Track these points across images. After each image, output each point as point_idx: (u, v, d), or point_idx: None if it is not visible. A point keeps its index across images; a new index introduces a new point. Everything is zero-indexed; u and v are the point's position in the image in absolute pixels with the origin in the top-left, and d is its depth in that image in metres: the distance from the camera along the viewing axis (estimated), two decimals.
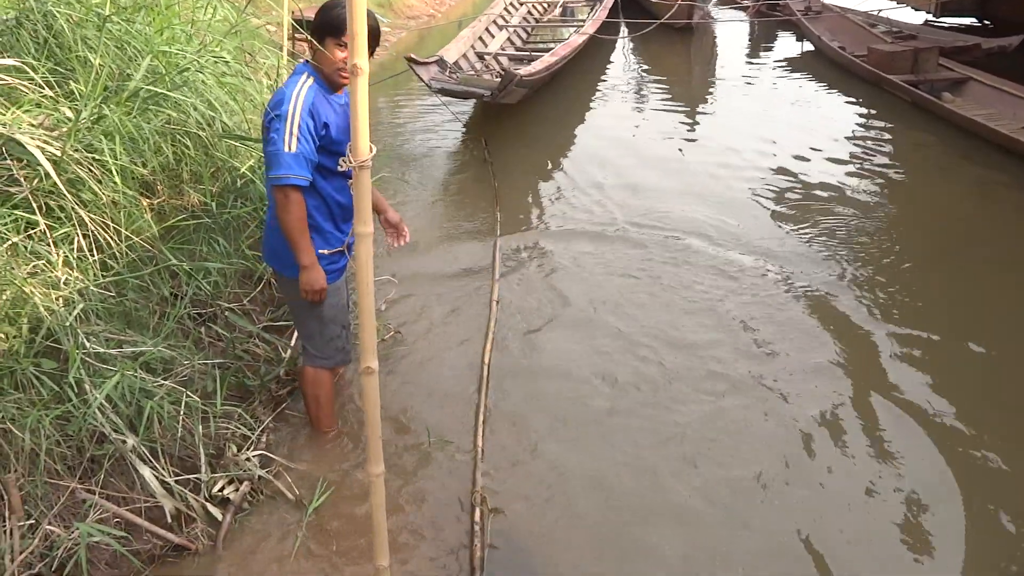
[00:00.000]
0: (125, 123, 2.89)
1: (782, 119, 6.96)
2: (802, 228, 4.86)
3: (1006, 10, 9.26)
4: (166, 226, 3.04)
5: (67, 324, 2.37)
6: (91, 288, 2.56)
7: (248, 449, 2.85)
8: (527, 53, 7.81)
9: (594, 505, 2.74)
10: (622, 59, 9.20)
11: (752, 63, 8.82)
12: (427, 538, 2.60)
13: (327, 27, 2.54)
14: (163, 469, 2.55)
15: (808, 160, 5.92)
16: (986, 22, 10.04)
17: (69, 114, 2.76)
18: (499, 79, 6.04)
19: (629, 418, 3.16)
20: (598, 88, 8.00)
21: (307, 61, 2.67)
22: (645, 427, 3.11)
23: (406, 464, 2.93)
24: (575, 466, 2.91)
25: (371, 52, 2.72)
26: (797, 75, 8.22)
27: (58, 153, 2.54)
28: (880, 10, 9.79)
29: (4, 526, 2.13)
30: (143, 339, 2.68)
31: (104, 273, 2.66)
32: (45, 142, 2.55)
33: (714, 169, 5.77)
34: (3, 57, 2.76)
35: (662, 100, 7.58)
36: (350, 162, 1.44)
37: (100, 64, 2.84)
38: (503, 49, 8.12)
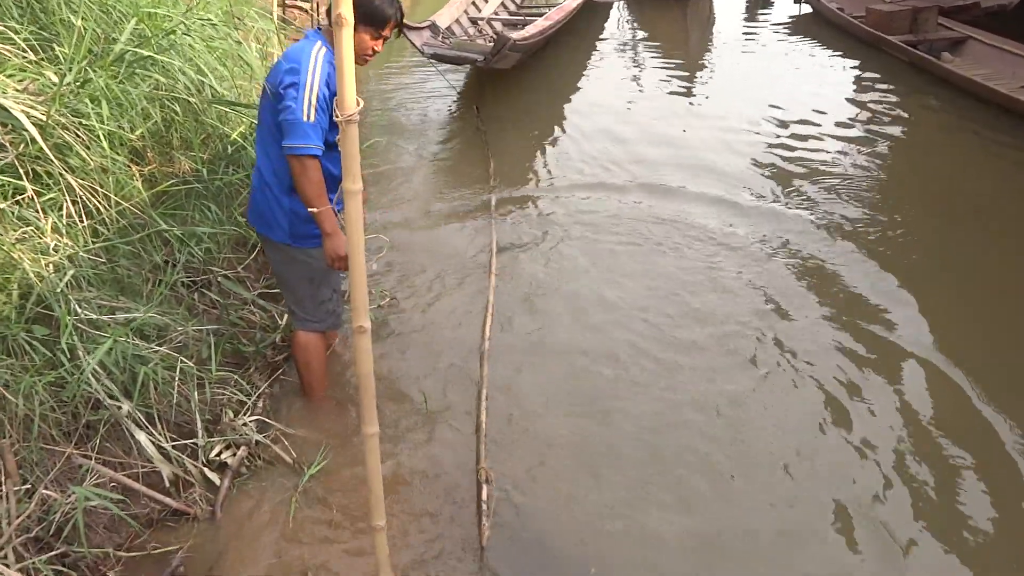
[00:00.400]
0: (111, 87, 2.84)
1: (780, 82, 6.88)
2: (801, 187, 4.84)
3: None
4: (156, 191, 3.01)
5: (58, 290, 2.35)
6: (81, 254, 2.54)
7: (245, 414, 2.86)
8: (521, 18, 7.69)
9: (597, 482, 2.72)
10: (618, 23, 9.06)
11: (750, 26, 8.70)
12: (432, 516, 2.59)
13: (368, 17, 2.55)
14: (160, 435, 2.56)
15: (806, 121, 5.86)
16: None
17: (54, 78, 2.72)
18: (492, 44, 5.95)
19: (632, 389, 3.15)
20: (593, 52, 7.90)
21: (319, 29, 2.67)
22: (648, 397, 3.11)
23: (405, 436, 2.93)
24: (577, 440, 2.90)
25: (396, 36, 2.72)
26: (795, 37, 8.11)
27: (43, 118, 2.51)
28: None
29: (1, 491, 2.13)
30: (136, 306, 2.66)
31: (94, 240, 2.63)
32: (30, 106, 2.51)
33: (712, 132, 5.71)
34: None
35: (658, 64, 7.49)
36: (337, 116, 1.41)
37: (83, 27, 2.79)
38: (496, 14, 8.00)
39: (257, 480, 2.73)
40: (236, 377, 2.92)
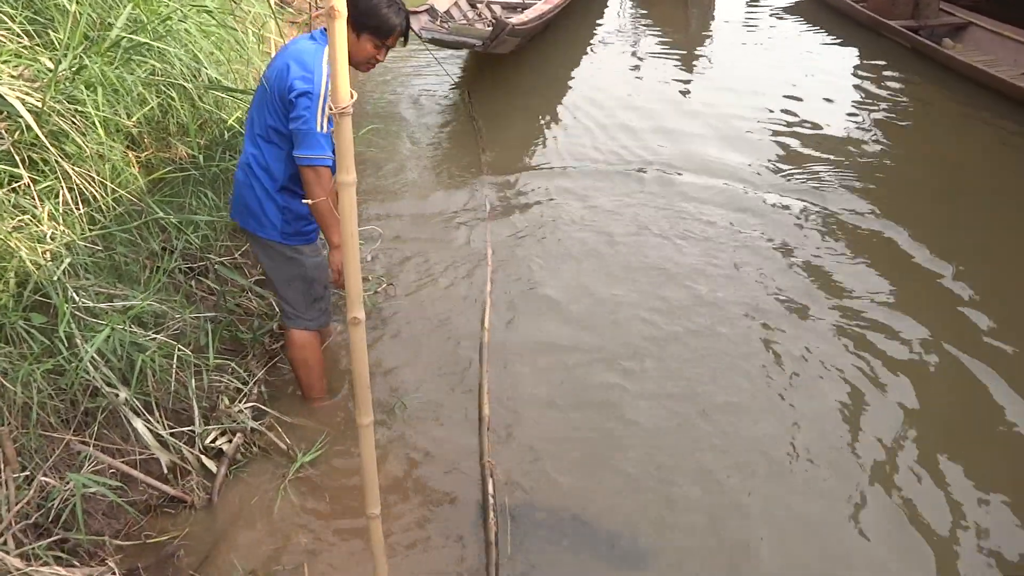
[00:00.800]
0: (107, 74, 2.83)
1: (780, 66, 6.84)
2: (802, 172, 4.84)
3: None
4: (153, 178, 3.00)
5: (55, 279, 2.35)
6: (78, 242, 2.54)
7: (241, 401, 2.87)
8: (520, 1, 7.63)
9: (602, 474, 2.74)
10: (618, 6, 9.00)
11: (751, 10, 8.63)
12: (437, 514, 2.58)
13: (374, 27, 2.52)
14: (157, 422, 2.57)
15: (806, 106, 5.84)
16: None
17: (49, 64, 2.70)
18: (491, 29, 5.91)
19: (632, 381, 3.17)
20: (593, 37, 7.85)
21: (325, 30, 2.59)
22: (650, 389, 3.13)
23: (402, 428, 2.94)
24: (579, 432, 2.92)
25: (402, 44, 2.66)
26: (796, 22, 8.06)
27: (39, 104, 2.50)
28: None
29: (0, 478, 2.14)
30: (133, 293, 2.67)
31: (91, 227, 2.63)
32: (25, 93, 2.50)
33: (711, 117, 5.69)
34: None
35: (658, 48, 7.45)
36: (331, 110, 1.41)
37: (79, 12, 2.77)
38: None
39: (253, 467, 2.75)
40: (233, 364, 2.93)
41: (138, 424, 2.49)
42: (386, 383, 3.14)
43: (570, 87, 6.54)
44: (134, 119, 3.00)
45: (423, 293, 3.73)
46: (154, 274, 2.88)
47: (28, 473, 2.22)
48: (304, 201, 2.51)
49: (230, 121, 3.51)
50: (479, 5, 7.51)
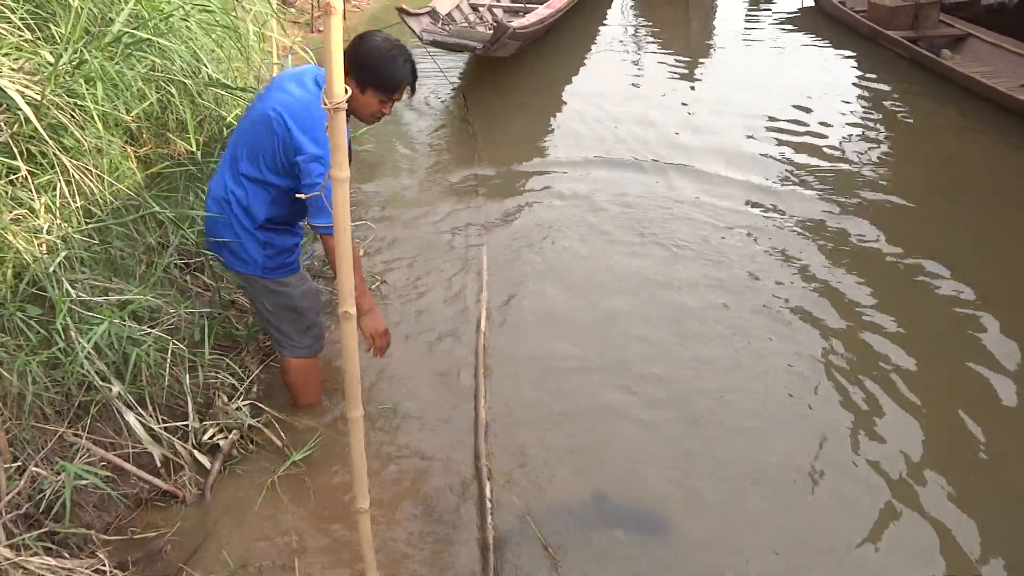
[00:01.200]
0: (107, 69, 2.84)
1: (780, 74, 6.87)
2: (800, 180, 4.86)
3: None
4: (150, 172, 3.01)
5: (51, 271, 2.36)
6: (74, 235, 2.55)
7: (238, 399, 2.88)
8: (522, 5, 7.65)
9: (600, 475, 2.75)
10: (619, 12, 9.03)
11: (751, 18, 8.66)
12: (432, 516, 2.58)
13: (378, 83, 2.40)
14: (150, 417, 2.58)
15: (805, 115, 5.86)
16: None
17: (50, 58, 2.72)
18: (492, 32, 5.93)
19: (629, 380, 3.19)
20: (594, 41, 7.87)
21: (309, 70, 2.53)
22: (648, 390, 3.15)
23: (395, 426, 2.95)
24: (575, 433, 2.93)
25: (410, 95, 2.56)
26: (797, 30, 8.09)
27: (38, 97, 2.51)
28: None
29: None
30: (129, 287, 2.68)
31: (87, 220, 2.64)
32: (25, 86, 2.51)
33: (710, 123, 5.70)
34: None
35: (659, 54, 7.47)
36: (325, 104, 1.42)
37: (80, 7, 2.79)
38: (497, 0, 7.96)
39: (248, 464, 2.76)
40: (228, 360, 2.94)
41: (131, 418, 2.50)
42: (378, 383, 3.15)
43: (569, 91, 6.56)
44: (133, 114, 3.01)
45: (414, 293, 3.75)
46: (150, 268, 2.89)
47: (20, 464, 2.22)
48: (293, 243, 2.53)
49: (229, 118, 3.52)
50: (481, 8, 7.53)
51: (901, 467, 2.74)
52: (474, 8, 7.51)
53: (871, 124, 5.82)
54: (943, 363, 3.28)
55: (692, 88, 6.60)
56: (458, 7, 7.23)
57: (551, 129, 5.76)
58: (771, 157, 5.17)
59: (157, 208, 2.88)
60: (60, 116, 2.59)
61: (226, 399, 2.86)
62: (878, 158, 5.27)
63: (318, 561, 2.39)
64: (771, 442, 2.87)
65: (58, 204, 2.55)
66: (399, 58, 2.41)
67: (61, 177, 2.56)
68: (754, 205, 4.54)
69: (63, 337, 2.33)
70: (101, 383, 2.42)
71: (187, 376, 2.70)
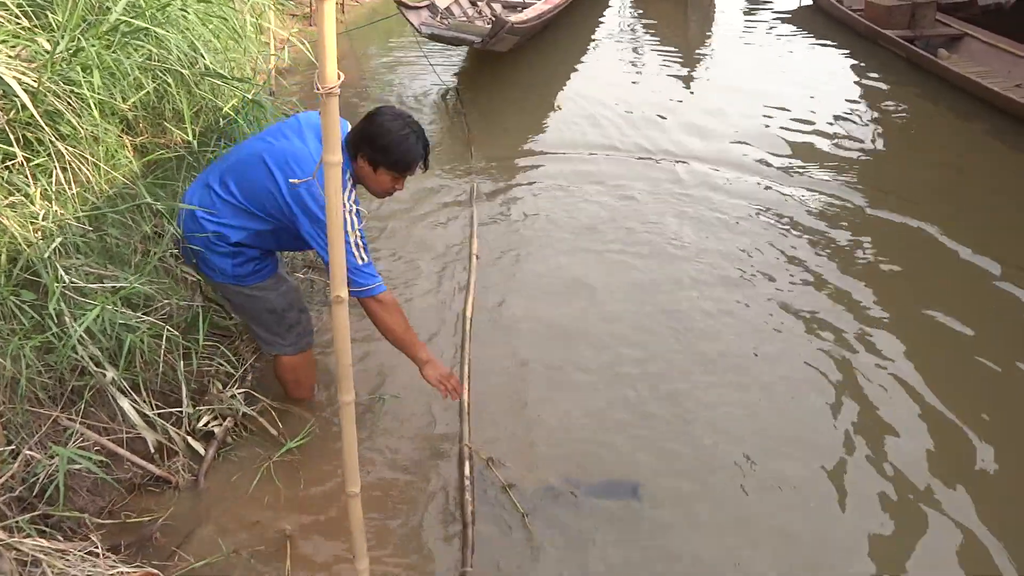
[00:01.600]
0: (104, 57, 2.85)
1: (777, 72, 6.90)
2: (794, 177, 4.88)
3: None
4: (147, 160, 3.03)
5: (45, 256, 2.37)
6: (70, 222, 2.56)
7: (232, 386, 2.89)
8: (520, 0, 7.67)
9: (582, 457, 2.78)
10: (618, 9, 9.05)
11: (749, 16, 8.69)
12: (415, 495, 2.62)
13: (392, 164, 2.40)
14: (144, 403, 2.59)
15: (801, 112, 5.88)
16: None
17: (46, 46, 2.73)
18: (490, 26, 5.95)
19: (616, 367, 3.21)
20: (592, 37, 7.90)
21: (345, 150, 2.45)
22: (633, 374, 3.17)
23: (383, 412, 2.97)
24: (560, 418, 2.96)
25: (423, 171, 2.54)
26: (794, 29, 8.12)
27: (34, 84, 2.52)
28: None
29: None
30: (124, 275, 2.69)
31: (83, 208, 2.65)
32: (22, 73, 2.52)
33: (706, 120, 5.72)
34: None
35: (657, 51, 7.50)
36: (318, 89, 1.43)
37: None
38: None
39: (242, 451, 2.77)
40: (223, 348, 2.95)
41: (124, 403, 2.51)
42: (365, 372, 3.16)
43: (566, 87, 6.58)
44: (129, 103, 3.02)
45: (401, 282, 3.76)
46: (145, 258, 2.91)
47: (14, 447, 2.24)
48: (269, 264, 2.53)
49: (226, 108, 3.53)
50: (479, 3, 7.55)
51: (904, 458, 2.76)
52: (473, 3, 7.53)
53: (867, 123, 5.84)
54: (940, 355, 3.30)
55: (689, 85, 6.62)
56: (456, 2, 7.25)
57: (547, 123, 5.78)
58: (768, 153, 5.19)
59: (150, 199, 2.89)
60: (56, 103, 2.60)
61: (220, 387, 2.88)
62: (873, 157, 5.29)
63: (310, 544, 2.41)
64: (758, 419, 2.91)
65: (54, 191, 2.56)
66: (411, 137, 2.40)
67: (57, 164, 2.58)
68: (748, 200, 4.56)
69: (56, 322, 2.34)
70: (95, 368, 2.43)
71: (181, 363, 2.72)
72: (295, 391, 2.95)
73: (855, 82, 6.70)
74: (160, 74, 3.24)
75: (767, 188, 4.73)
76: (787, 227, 4.28)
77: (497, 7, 7.47)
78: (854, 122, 5.82)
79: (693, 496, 2.62)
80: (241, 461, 2.71)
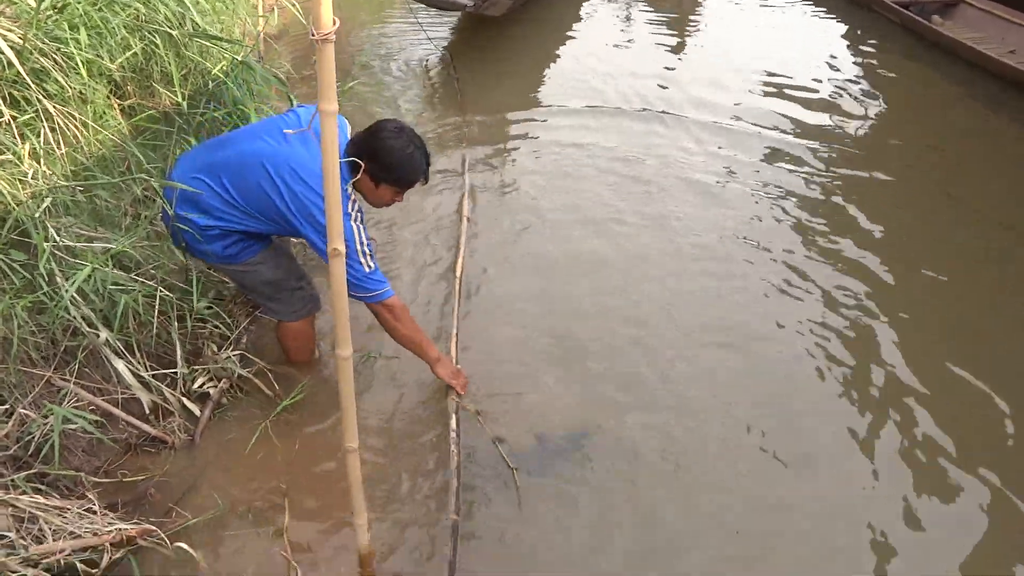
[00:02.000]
0: (91, 14, 2.81)
1: (770, 39, 6.84)
2: (787, 143, 4.84)
3: None
4: (135, 121, 2.99)
5: (36, 216, 2.35)
6: (60, 182, 2.53)
7: (227, 348, 2.89)
8: None
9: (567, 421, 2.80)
10: None
11: None
12: (406, 449, 2.65)
13: (396, 181, 2.41)
14: (139, 364, 2.59)
15: (795, 79, 5.84)
16: None
17: (32, 3, 2.68)
18: None
19: (607, 341, 3.21)
20: (586, 4, 7.80)
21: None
22: (626, 351, 3.16)
23: (379, 369, 2.98)
24: (549, 391, 2.95)
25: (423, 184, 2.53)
26: None
27: (20, 41, 2.48)
28: None
29: None
30: (115, 236, 2.67)
31: (72, 168, 2.62)
32: (7, 29, 2.48)
33: (700, 87, 5.67)
34: None
35: (650, 17, 7.42)
36: (312, 36, 1.41)
37: None
38: None
39: (237, 411, 2.77)
40: (218, 310, 2.93)
41: (119, 364, 2.51)
42: (356, 329, 3.14)
43: (560, 50, 6.52)
44: (117, 63, 2.98)
45: (397, 248, 3.75)
46: (136, 220, 2.88)
47: (8, 407, 2.23)
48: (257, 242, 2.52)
49: (215, 71, 3.49)
50: None
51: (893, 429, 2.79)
52: None
53: (861, 88, 5.81)
54: (935, 318, 3.32)
55: (683, 51, 6.56)
56: None
57: (540, 87, 5.72)
58: (761, 117, 5.16)
59: (142, 157, 2.86)
60: (43, 61, 2.57)
61: (215, 348, 2.87)
62: (867, 121, 5.27)
63: (308, 500, 2.43)
64: (755, 381, 2.93)
65: (42, 151, 2.53)
66: (416, 154, 2.41)
67: (45, 123, 2.54)
68: (741, 163, 4.55)
69: (47, 282, 2.33)
70: (88, 329, 2.42)
71: (176, 324, 2.71)
72: (296, 355, 2.95)
73: (849, 47, 6.66)
74: (148, 35, 3.19)
75: (763, 149, 4.72)
76: (781, 193, 4.28)
77: None
78: (848, 87, 5.79)
79: (683, 453, 2.65)
80: (237, 421, 2.71)
